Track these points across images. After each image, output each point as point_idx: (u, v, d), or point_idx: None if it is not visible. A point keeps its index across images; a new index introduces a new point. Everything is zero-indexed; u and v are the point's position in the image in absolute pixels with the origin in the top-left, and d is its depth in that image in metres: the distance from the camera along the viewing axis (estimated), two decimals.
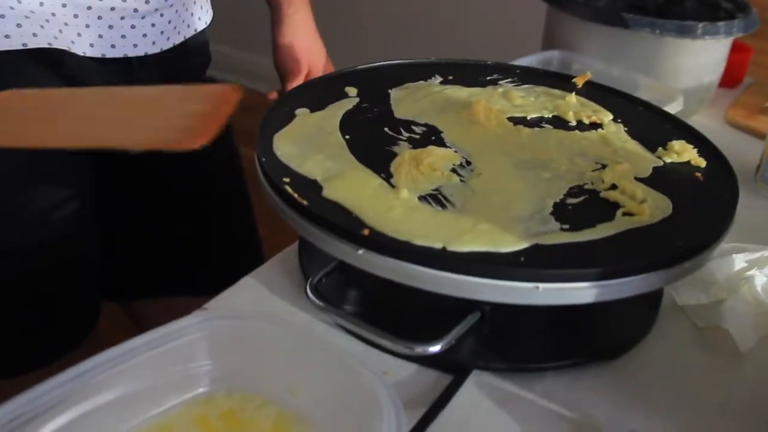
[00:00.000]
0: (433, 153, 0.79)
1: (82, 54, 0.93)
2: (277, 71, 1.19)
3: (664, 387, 0.72)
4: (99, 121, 0.67)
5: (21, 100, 0.70)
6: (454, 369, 0.71)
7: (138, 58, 0.98)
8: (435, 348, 0.67)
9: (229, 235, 1.20)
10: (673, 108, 1.04)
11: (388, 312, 0.76)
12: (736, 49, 1.32)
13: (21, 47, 0.86)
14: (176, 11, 1.01)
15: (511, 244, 0.67)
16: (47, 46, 0.87)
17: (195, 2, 1.06)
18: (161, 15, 0.98)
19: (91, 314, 1.08)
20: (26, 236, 0.95)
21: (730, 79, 1.35)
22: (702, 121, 1.24)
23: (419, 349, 0.67)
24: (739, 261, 0.81)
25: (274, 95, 1.21)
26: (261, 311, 0.74)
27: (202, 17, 1.08)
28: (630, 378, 0.72)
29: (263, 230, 1.24)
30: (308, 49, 1.18)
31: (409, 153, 0.78)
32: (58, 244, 0.98)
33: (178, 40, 1.02)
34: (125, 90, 0.74)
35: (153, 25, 0.97)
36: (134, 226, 1.13)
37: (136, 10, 0.94)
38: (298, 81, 1.16)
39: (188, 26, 1.05)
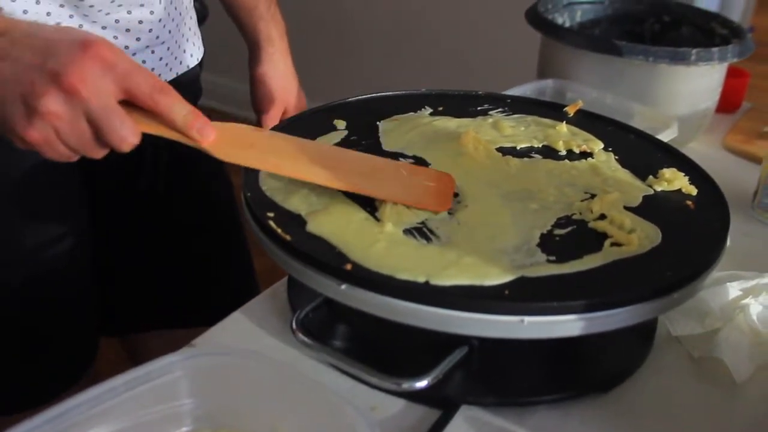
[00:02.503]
0: None
1: None
2: (254, 107, 1.20)
3: (659, 419, 0.71)
4: (341, 167, 0.78)
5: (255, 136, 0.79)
6: (442, 404, 0.70)
7: None
8: (422, 383, 0.66)
9: (224, 265, 1.20)
10: (667, 135, 1.04)
11: (376, 347, 0.75)
12: (733, 74, 1.31)
13: None
14: (168, 48, 1.01)
15: (495, 277, 0.66)
16: None
17: (188, 39, 1.07)
18: (152, 52, 0.98)
19: (88, 350, 1.08)
20: (18, 273, 0.95)
21: (727, 104, 1.34)
22: (699, 148, 1.23)
23: (406, 385, 0.67)
24: (734, 289, 0.80)
25: None
26: (243, 348, 0.73)
27: (194, 54, 1.09)
28: (624, 410, 0.71)
29: (265, 263, 1.23)
30: (285, 88, 1.20)
31: None
32: (51, 281, 0.98)
33: (169, 77, 1.03)
34: (350, 151, 0.83)
35: (144, 62, 0.97)
36: (130, 259, 1.13)
37: (126, 47, 0.94)
38: (274, 118, 1.18)
39: (180, 63, 1.05)
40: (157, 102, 0.67)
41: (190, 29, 1.08)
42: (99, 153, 0.69)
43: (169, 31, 1.00)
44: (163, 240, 1.12)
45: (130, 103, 0.67)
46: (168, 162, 1.06)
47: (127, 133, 0.67)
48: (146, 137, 1.00)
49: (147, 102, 0.67)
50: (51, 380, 1.01)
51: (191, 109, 0.70)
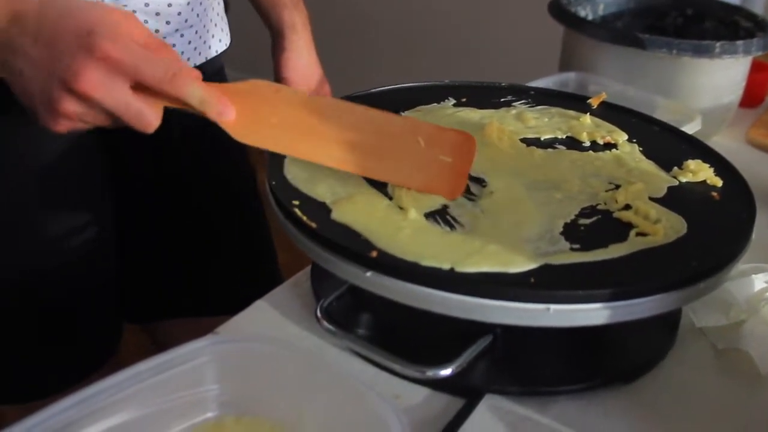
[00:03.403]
0: None
1: None
2: None
3: (682, 411, 0.70)
4: (354, 147, 0.76)
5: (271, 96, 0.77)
6: (466, 393, 0.70)
7: None
8: (446, 371, 0.66)
9: (247, 254, 1.21)
10: (691, 128, 1.03)
11: (400, 335, 0.75)
12: (757, 68, 1.30)
13: None
14: (196, 32, 1.02)
15: (520, 265, 0.66)
16: None
17: (216, 24, 1.08)
18: (181, 36, 0.99)
19: (111, 337, 1.09)
20: (43, 260, 0.96)
21: (751, 98, 1.33)
22: (723, 142, 1.22)
23: (430, 373, 0.67)
24: (759, 282, 0.79)
25: None
26: (268, 335, 0.73)
27: (222, 39, 1.10)
28: (647, 402, 0.71)
29: (287, 258, 1.24)
30: (309, 76, 1.20)
31: None
32: (76, 268, 0.99)
33: (198, 61, 1.04)
34: (369, 112, 0.79)
35: (174, 45, 0.98)
36: (154, 247, 1.14)
37: (157, 31, 0.95)
38: None
39: (209, 47, 1.06)
40: (169, 91, 0.68)
41: (218, 14, 1.09)
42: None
43: (197, 15, 1.01)
44: (186, 227, 1.13)
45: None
46: (191, 150, 1.07)
47: (149, 119, 0.68)
48: (171, 116, 1.02)
49: (160, 91, 0.68)
50: (75, 366, 1.02)
51: (206, 91, 0.70)
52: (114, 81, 0.66)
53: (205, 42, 1.04)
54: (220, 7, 1.11)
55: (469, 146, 0.80)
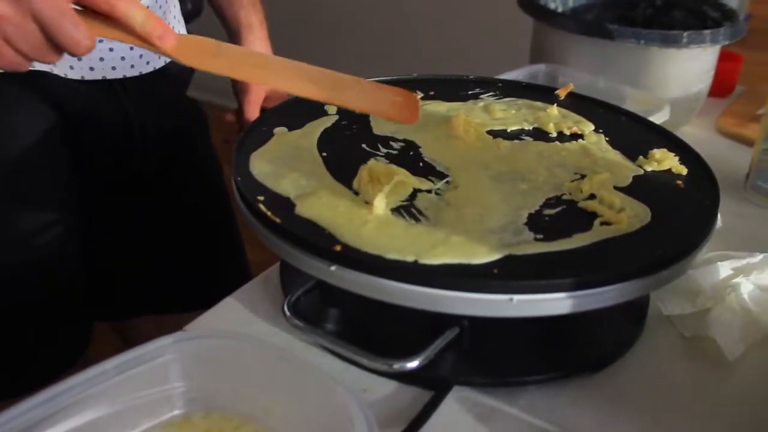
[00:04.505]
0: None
1: (63, 75, 0.94)
2: (236, 95, 1.19)
3: (650, 398, 0.71)
4: (318, 82, 0.74)
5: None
6: (434, 385, 0.70)
7: (119, 81, 0.98)
8: (413, 364, 0.66)
9: (216, 249, 1.21)
10: (659, 118, 1.04)
11: (367, 329, 0.75)
12: (726, 58, 1.31)
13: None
14: None
15: (483, 256, 0.66)
16: (30, 68, 0.88)
17: (174, 27, 1.07)
18: None
19: (81, 335, 1.08)
20: (10, 258, 0.96)
21: (720, 88, 1.34)
22: (692, 131, 1.23)
23: (397, 366, 0.66)
24: (725, 269, 0.80)
25: (230, 117, 1.22)
26: (234, 331, 0.73)
27: None
28: (615, 390, 0.71)
29: (258, 255, 1.24)
30: None
31: (365, 170, 0.77)
32: (42, 268, 0.99)
33: (159, 64, 1.03)
34: (311, 66, 0.75)
35: (131, 48, 0.97)
36: (122, 244, 1.14)
37: None
38: (255, 105, 1.16)
39: None
40: (112, 6, 0.64)
41: (174, 17, 1.09)
42: (53, 57, 0.66)
43: None
44: (155, 224, 1.13)
45: (87, 13, 0.65)
46: (157, 148, 1.06)
47: (81, 36, 0.64)
48: (132, 116, 1.00)
49: (101, 6, 0.64)
50: (45, 365, 1.01)
51: (149, 13, 0.66)
52: None
53: None
54: (177, 10, 1.11)
55: (414, 96, 0.77)
